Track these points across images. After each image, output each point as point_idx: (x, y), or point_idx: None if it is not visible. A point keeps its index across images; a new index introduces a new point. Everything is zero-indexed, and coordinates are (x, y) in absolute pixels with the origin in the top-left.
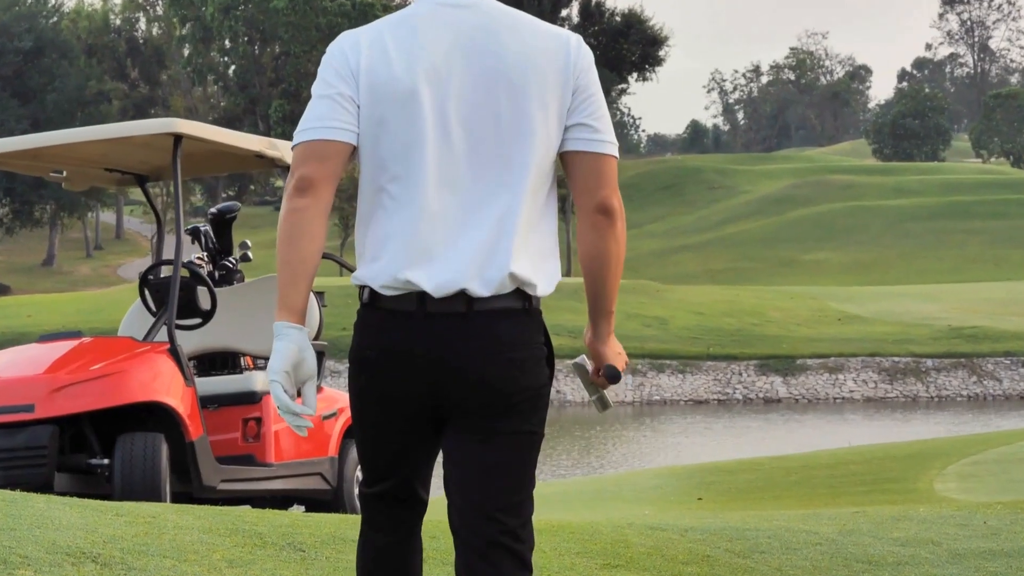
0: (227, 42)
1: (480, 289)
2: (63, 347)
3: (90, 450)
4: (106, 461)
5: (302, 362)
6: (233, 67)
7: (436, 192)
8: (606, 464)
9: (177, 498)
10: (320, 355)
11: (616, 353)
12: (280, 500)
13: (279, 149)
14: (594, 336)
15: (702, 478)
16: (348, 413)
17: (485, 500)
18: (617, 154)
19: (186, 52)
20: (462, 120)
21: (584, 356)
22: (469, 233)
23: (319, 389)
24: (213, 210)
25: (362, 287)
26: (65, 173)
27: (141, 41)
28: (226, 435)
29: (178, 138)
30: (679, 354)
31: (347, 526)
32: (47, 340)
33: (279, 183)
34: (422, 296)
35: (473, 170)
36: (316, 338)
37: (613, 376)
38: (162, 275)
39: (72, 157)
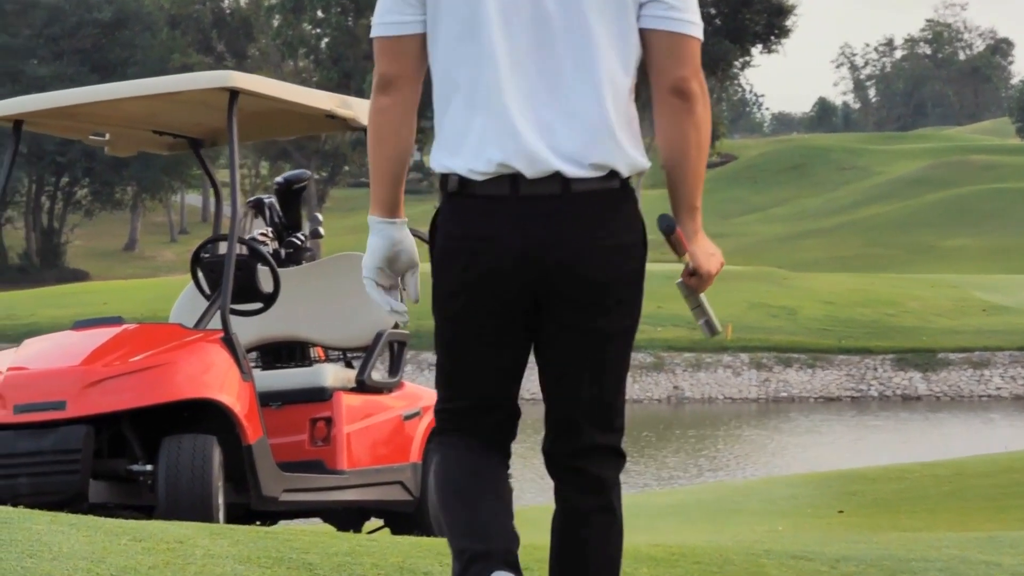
0: (319, 12)
1: (574, 169)
2: (101, 335)
3: (131, 454)
4: (149, 467)
5: (398, 255)
6: (326, 39)
7: (511, 71)
8: (719, 466)
9: (232, 511)
10: (401, 344)
11: (708, 254)
12: (354, 513)
13: (353, 108)
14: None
15: (841, 487)
16: (432, 414)
17: (579, 405)
18: (698, 34)
19: (275, 23)
20: None
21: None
22: (554, 111)
23: (400, 385)
24: (279, 179)
25: (447, 175)
26: (108, 136)
27: (228, 12)
28: (290, 438)
29: (234, 94)
30: (808, 347)
31: (420, 553)
32: (83, 327)
33: None
34: (515, 179)
35: (548, 46)
36: (395, 326)
37: (668, 228)
38: (218, 252)
39: (114, 117)
